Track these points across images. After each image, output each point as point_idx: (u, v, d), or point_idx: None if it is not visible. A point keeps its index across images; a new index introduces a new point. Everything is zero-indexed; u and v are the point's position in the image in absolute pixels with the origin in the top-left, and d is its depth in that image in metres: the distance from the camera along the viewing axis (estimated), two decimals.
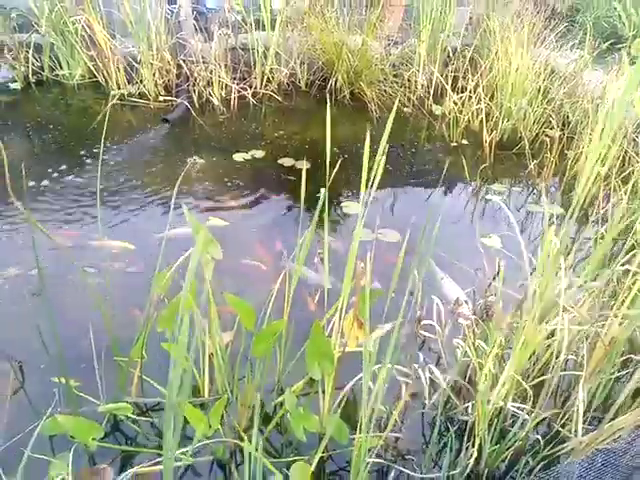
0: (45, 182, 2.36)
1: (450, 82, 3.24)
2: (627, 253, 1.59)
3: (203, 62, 3.26)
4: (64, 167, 2.49)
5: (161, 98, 3.28)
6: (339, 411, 1.16)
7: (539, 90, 2.96)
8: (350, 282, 1.20)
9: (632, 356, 1.42)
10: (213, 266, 1.16)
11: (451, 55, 3.59)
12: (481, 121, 2.96)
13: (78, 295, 1.54)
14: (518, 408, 1.26)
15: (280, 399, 1.34)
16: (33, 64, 3.38)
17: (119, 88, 3.33)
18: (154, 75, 3.29)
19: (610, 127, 1.07)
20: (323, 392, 1.27)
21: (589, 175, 1.11)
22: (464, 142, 3.02)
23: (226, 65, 3.32)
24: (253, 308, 1.17)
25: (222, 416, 1.20)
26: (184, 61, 3.31)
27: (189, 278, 0.71)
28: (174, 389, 0.73)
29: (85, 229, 2.06)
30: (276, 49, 3.42)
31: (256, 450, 1.01)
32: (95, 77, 3.36)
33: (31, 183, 2.32)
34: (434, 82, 3.46)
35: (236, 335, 1.35)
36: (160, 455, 1.20)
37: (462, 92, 3.15)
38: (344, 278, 1.18)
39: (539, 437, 1.26)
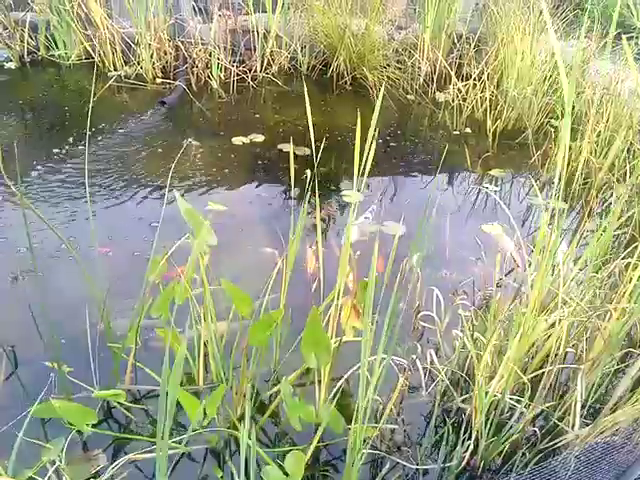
0: (38, 164, 2.32)
1: (454, 69, 3.17)
2: (628, 246, 1.57)
3: (202, 44, 3.19)
4: (57, 149, 2.44)
5: (158, 80, 3.21)
6: (335, 401, 1.15)
7: (545, 79, 2.91)
8: (345, 271, 1.18)
9: (631, 350, 1.41)
10: (209, 252, 1.14)
11: (456, 41, 3.51)
12: (485, 110, 2.90)
13: None
14: (516, 401, 1.25)
15: (275, 389, 1.32)
16: (28, 43, 3.30)
17: (116, 69, 3.26)
18: (152, 56, 3.22)
19: None
20: (319, 382, 1.26)
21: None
22: (467, 131, 2.97)
23: (225, 47, 3.24)
24: (250, 295, 1.15)
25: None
26: (182, 42, 3.24)
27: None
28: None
29: (75, 212, 2.03)
30: (277, 32, 3.35)
31: (249, 438, 1.00)
32: (92, 58, 3.28)
33: (23, 164, 2.27)
34: (438, 69, 3.39)
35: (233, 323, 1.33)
36: (154, 443, 1.19)
37: (466, 80, 3.09)
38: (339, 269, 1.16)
39: (536, 429, 1.25)
